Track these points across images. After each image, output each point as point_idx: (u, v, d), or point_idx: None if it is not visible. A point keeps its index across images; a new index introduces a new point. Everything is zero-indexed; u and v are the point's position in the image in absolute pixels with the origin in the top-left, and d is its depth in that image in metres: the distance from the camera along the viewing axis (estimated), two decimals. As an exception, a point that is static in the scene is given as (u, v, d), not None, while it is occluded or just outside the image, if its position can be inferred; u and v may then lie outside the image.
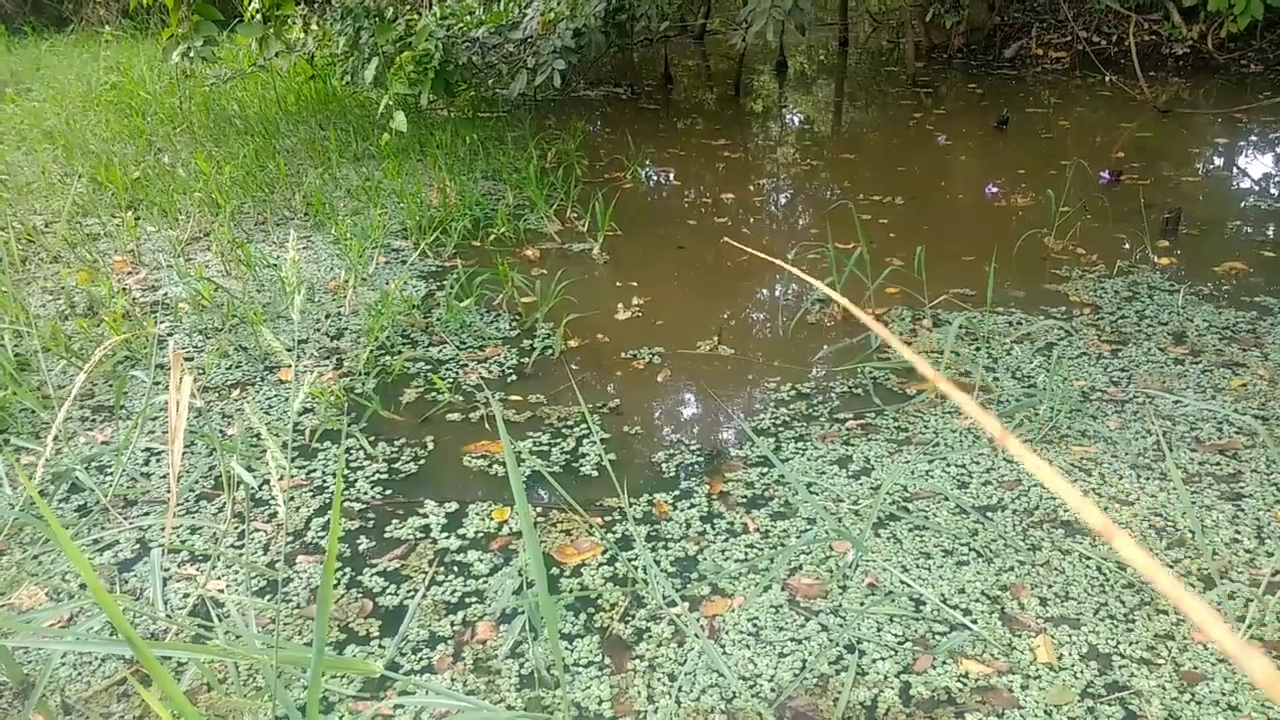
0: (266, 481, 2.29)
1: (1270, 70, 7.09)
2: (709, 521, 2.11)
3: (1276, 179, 4.80)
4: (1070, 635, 1.73)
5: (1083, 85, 6.92)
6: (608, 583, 1.92)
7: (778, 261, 0.84)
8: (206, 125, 6.01)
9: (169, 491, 2.23)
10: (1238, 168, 4.97)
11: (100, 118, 6.32)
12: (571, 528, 2.10)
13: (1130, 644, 1.70)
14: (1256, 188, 4.58)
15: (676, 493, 2.23)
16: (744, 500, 2.19)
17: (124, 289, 3.50)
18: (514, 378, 2.84)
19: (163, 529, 2.10)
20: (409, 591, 1.91)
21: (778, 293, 3.47)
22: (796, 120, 6.76)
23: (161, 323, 3.24)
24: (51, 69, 8.77)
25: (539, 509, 2.18)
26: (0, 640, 1.47)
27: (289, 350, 2.88)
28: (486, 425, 2.56)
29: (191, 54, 6.12)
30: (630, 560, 1.98)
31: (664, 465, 2.35)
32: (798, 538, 2.03)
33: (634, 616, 1.82)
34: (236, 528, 2.12)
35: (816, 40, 9.69)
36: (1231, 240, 3.76)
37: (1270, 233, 3.80)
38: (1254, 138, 5.44)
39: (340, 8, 6.21)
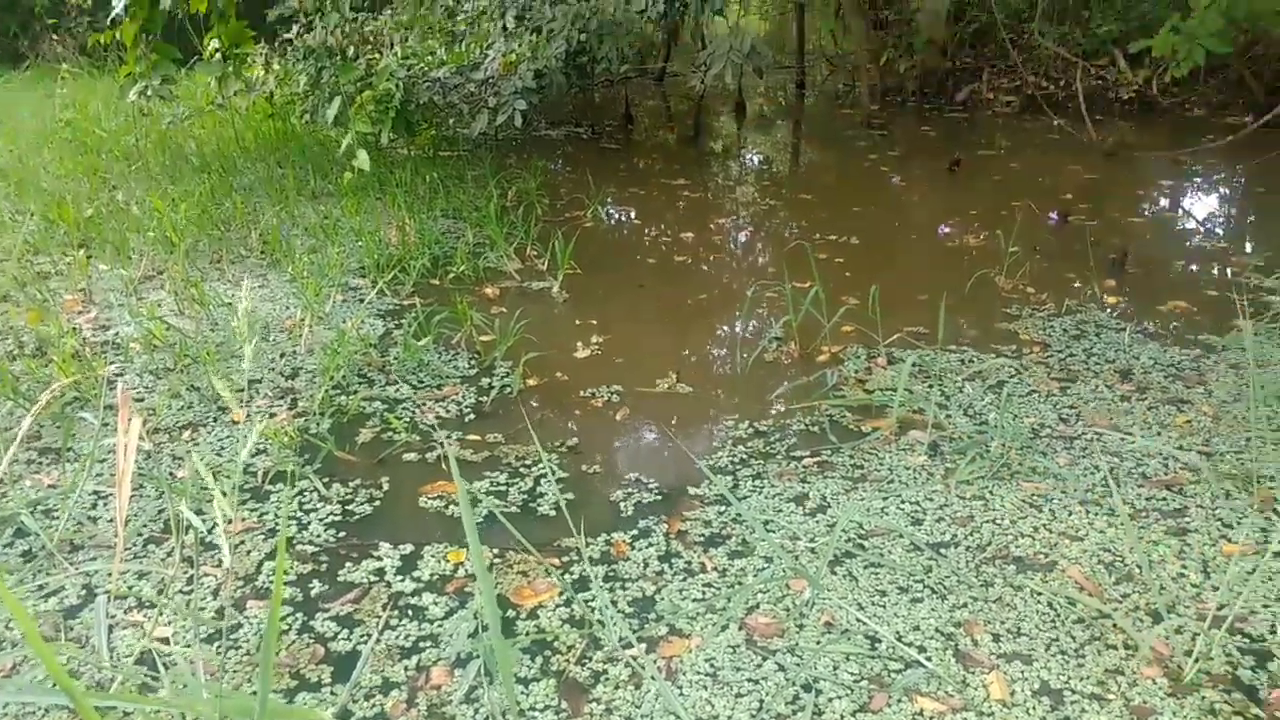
0: (216, 525, 2.25)
1: (1213, 114, 7.32)
2: (667, 561, 2.11)
3: (1220, 219, 4.94)
4: (1023, 671, 1.74)
5: (1032, 128, 7.10)
6: (564, 624, 1.91)
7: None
8: (162, 163, 5.97)
9: (116, 536, 2.19)
10: (1182, 208, 5.11)
11: (54, 155, 6.25)
12: (528, 569, 2.09)
13: (1081, 679, 1.72)
14: (1200, 228, 4.71)
15: (634, 532, 2.22)
16: (702, 539, 2.19)
17: (74, 328, 3.45)
18: (472, 417, 2.83)
19: (109, 574, 2.06)
20: (362, 636, 1.89)
21: (736, 330, 3.50)
22: (755, 161, 6.86)
23: (112, 363, 3.19)
24: (5, 105, 8.67)
25: (495, 550, 2.16)
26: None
27: (238, 392, 2.85)
28: (443, 465, 2.54)
29: (149, 92, 6.10)
30: (587, 601, 1.97)
31: (622, 504, 2.35)
32: (755, 576, 2.04)
33: (591, 659, 1.81)
34: (185, 573, 2.08)
35: (774, 82, 9.86)
36: (1176, 279, 3.85)
37: (1214, 272, 3.91)
38: (1198, 179, 5.60)
39: (302, 47, 6.22)
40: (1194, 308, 3.48)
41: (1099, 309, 3.50)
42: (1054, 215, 4.65)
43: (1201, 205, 5.25)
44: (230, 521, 2.19)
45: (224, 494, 2.08)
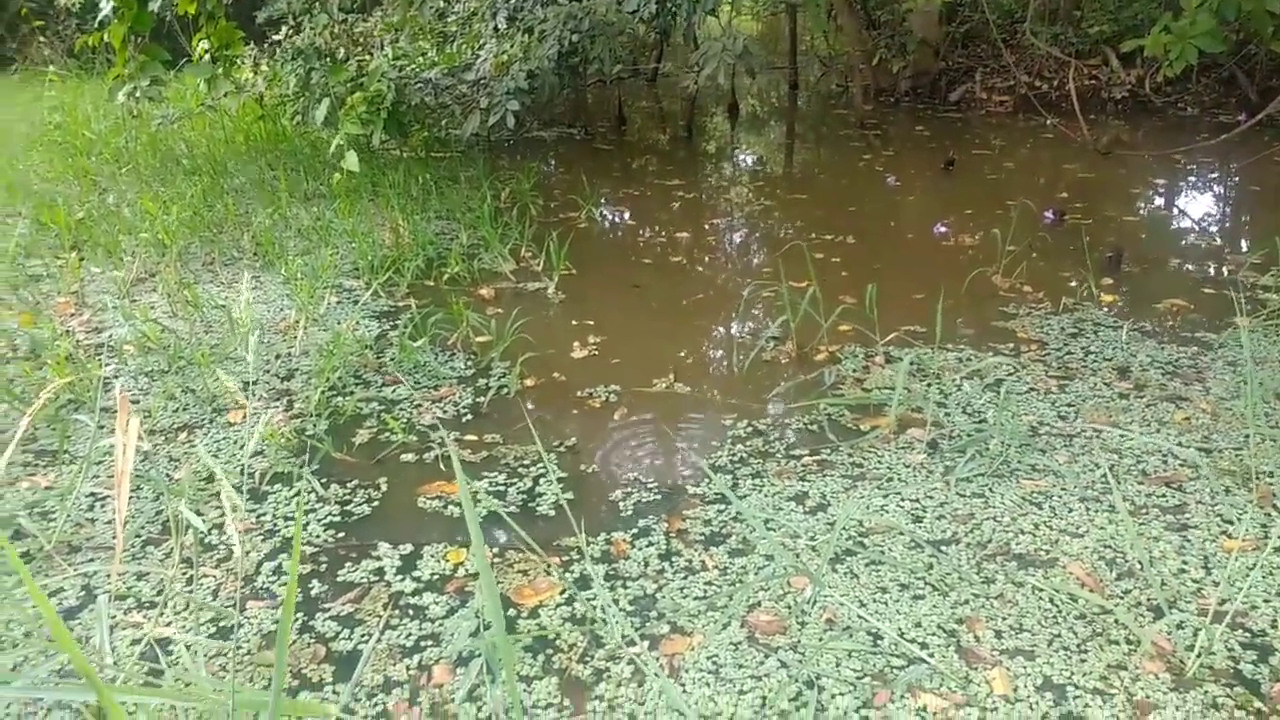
0: (216, 526, 2.24)
1: (1205, 112, 7.35)
2: (667, 559, 2.10)
3: (1215, 218, 4.96)
4: (1025, 667, 1.74)
5: (1026, 128, 7.12)
6: (566, 623, 1.90)
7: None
8: (153, 165, 5.95)
9: (115, 537, 2.18)
10: (1177, 207, 5.13)
11: (44, 158, 6.22)
12: (529, 568, 2.08)
13: (1084, 674, 1.72)
14: (1195, 226, 4.73)
15: (634, 531, 2.22)
16: (702, 538, 2.18)
17: (67, 331, 3.43)
18: (469, 417, 2.82)
19: (109, 575, 2.04)
20: (363, 636, 1.88)
21: (733, 331, 3.50)
22: (749, 161, 6.86)
23: (106, 365, 3.17)
24: (-6, 108, 8.64)
25: (495, 550, 2.15)
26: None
27: (245, 389, 2.83)
28: (441, 466, 2.53)
29: (138, 94, 6.07)
30: (589, 600, 1.96)
31: (621, 504, 2.34)
32: (756, 574, 2.03)
33: (593, 657, 1.80)
34: (184, 573, 2.06)
35: (767, 83, 9.87)
36: (1172, 277, 3.86)
37: (1210, 270, 3.92)
38: (1192, 178, 5.62)
39: (291, 49, 6.20)
40: (1191, 305, 3.48)
41: (1096, 307, 3.50)
42: (1049, 214, 4.66)
43: (1196, 204, 5.27)
44: (237, 510, 2.19)
45: (228, 480, 2.06)
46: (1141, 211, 4.93)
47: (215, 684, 1.61)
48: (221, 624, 1.91)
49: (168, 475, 2.49)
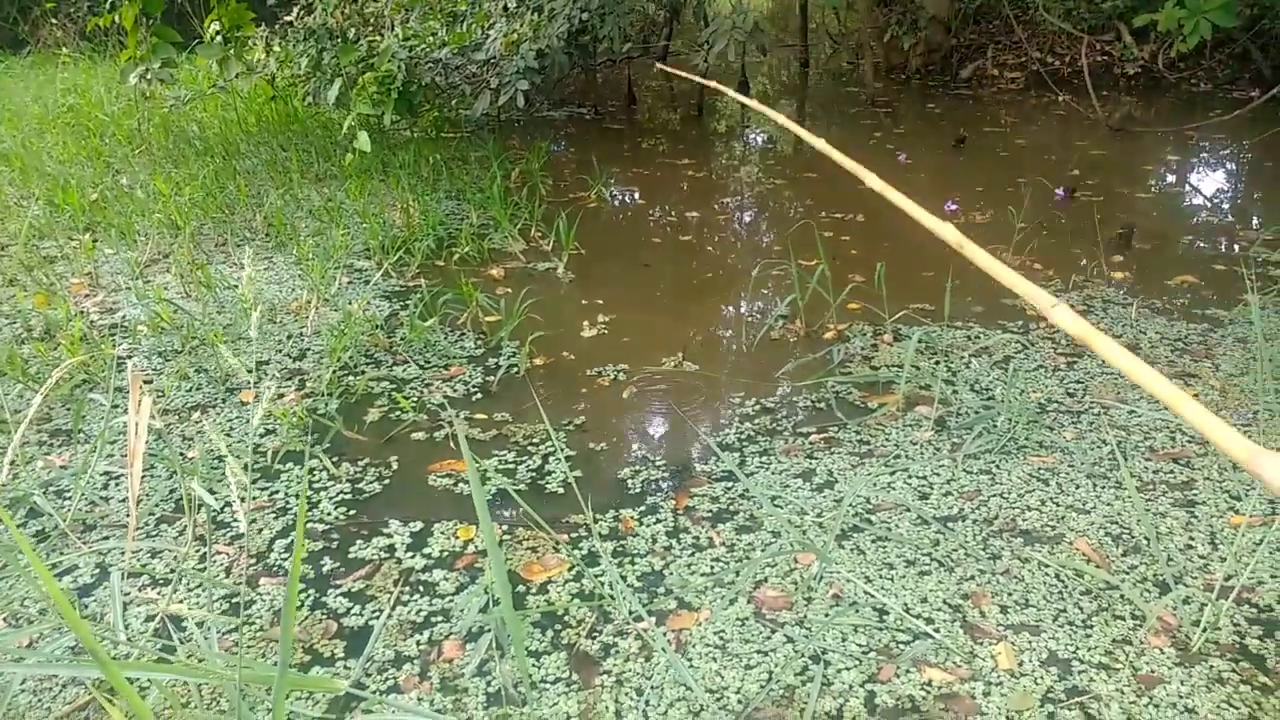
0: (228, 504, 2.27)
1: (1219, 89, 7.27)
2: (675, 536, 2.12)
3: (1227, 195, 4.92)
4: (1030, 642, 1.75)
5: (1038, 105, 7.06)
6: (574, 599, 1.92)
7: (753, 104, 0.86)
8: (165, 147, 5.96)
9: (129, 515, 2.21)
10: (1189, 184, 5.09)
11: (57, 140, 6.24)
12: (538, 545, 2.10)
13: (1089, 649, 1.73)
14: (1207, 204, 4.69)
15: (642, 508, 2.23)
16: (709, 515, 2.20)
17: (81, 312, 3.45)
18: (479, 396, 2.83)
19: (122, 553, 2.07)
20: (374, 612, 1.90)
21: (742, 310, 3.50)
22: (759, 139, 6.83)
23: (120, 345, 3.20)
24: (6, 91, 8.65)
25: (504, 527, 2.18)
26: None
27: (250, 371, 2.85)
28: (451, 444, 2.55)
29: (150, 76, 6.08)
30: (597, 576, 1.98)
31: (630, 481, 2.36)
32: (763, 551, 2.05)
33: (601, 632, 1.82)
34: (198, 550, 2.09)
35: (778, 61, 9.81)
36: (1183, 255, 3.84)
37: (1221, 247, 3.89)
38: (1204, 155, 5.57)
39: (302, 29, 6.20)
40: (1201, 282, 3.47)
41: (1106, 284, 3.49)
42: (1060, 191, 4.63)
43: (1208, 180, 5.23)
44: (244, 498, 2.21)
45: (236, 459, 2.09)
46: (1153, 188, 4.90)
47: (225, 659, 1.64)
48: (234, 601, 1.94)
49: (181, 454, 2.52)
